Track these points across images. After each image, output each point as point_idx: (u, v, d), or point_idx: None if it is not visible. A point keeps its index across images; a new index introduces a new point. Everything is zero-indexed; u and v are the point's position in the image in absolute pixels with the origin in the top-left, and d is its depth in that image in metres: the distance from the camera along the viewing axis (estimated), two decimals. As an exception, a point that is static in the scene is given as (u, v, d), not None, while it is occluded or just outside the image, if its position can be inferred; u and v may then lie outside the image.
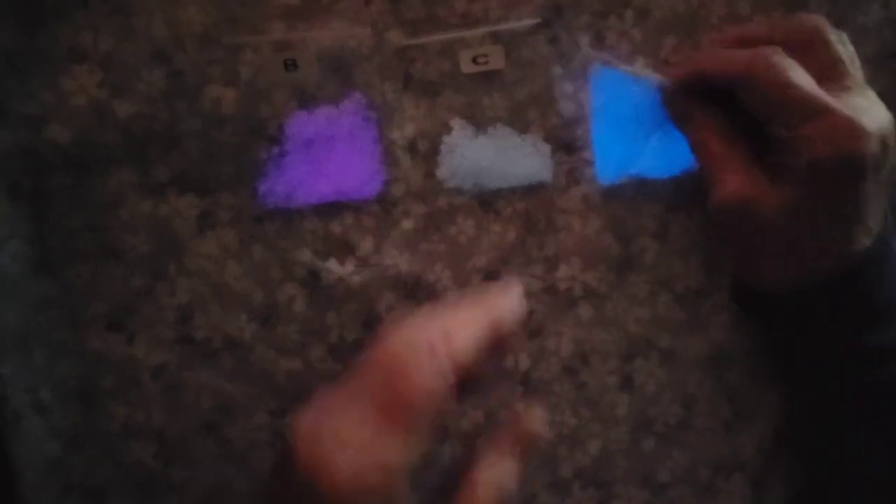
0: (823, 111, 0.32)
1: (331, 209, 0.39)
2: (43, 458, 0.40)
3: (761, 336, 0.41)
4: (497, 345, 0.28)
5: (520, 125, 0.39)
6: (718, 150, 0.36)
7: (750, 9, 0.38)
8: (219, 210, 0.39)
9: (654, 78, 0.37)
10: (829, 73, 0.34)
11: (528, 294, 0.39)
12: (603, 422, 0.41)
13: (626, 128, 0.39)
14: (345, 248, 0.39)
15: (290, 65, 0.37)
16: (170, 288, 0.39)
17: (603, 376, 0.41)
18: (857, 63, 0.36)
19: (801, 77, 0.33)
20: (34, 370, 0.39)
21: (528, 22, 0.38)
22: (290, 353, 0.40)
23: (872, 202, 0.34)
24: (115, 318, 0.39)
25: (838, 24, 0.36)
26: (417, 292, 0.39)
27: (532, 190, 0.39)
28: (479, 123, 0.38)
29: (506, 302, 0.29)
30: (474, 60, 0.38)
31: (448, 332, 0.26)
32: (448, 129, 0.38)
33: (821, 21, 0.35)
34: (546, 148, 0.39)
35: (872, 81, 0.36)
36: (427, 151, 0.39)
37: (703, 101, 0.36)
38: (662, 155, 0.39)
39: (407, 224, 0.39)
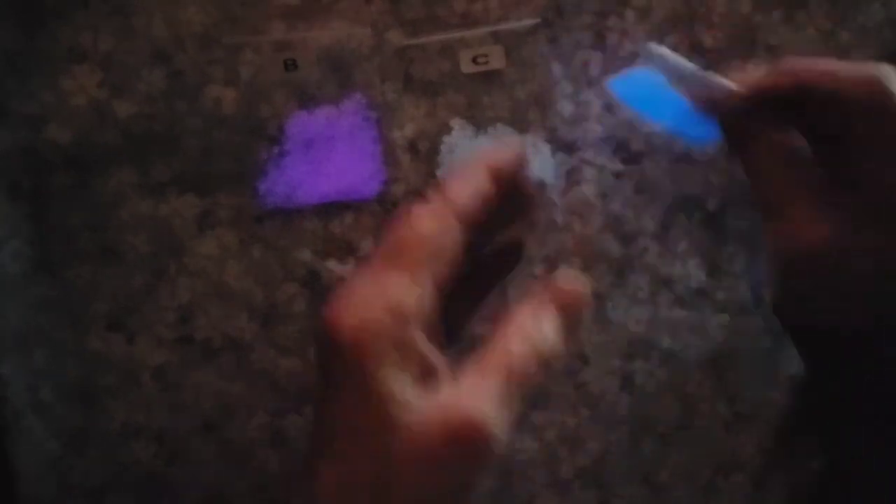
0: None
1: (331, 209, 0.39)
2: (43, 458, 0.40)
3: (805, 367, 0.36)
4: (505, 189, 0.27)
5: (520, 125, 0.39)
6: (790, 184, 0.31)
7: (750, 8, 0.38)
8: (219, 210, 0.39)
9: (717, 82, 0.31)
10: None
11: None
12: (603, 422, 0.41)
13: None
14: (345, 248, 0.39)
15: (290, 65, 0.38)
16: (170, 288, 0.39)
17: (603, 376, 0.41)
18: None
19: None
20: (34, 370, 0.39)
21: (528, 22, 0.38)
22: (290, 353, 0.40)
23: None
24: (115, 318, 0.39)
25: (838, 24, 0.36)
26: (417, 292, 0.39)
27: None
28: (479, 123, 0.38)
29: (501, 150, 0.29)
30: (474, 60, 0.38)
31: (442, 184, 0.27)
32: (448, 129, 0.38)
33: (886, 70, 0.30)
34: (546, 148, 0.39)
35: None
36: (427, 151, 0.39)
37: (771, 120, 0.31)
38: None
39: (407, 224, 0.39)
